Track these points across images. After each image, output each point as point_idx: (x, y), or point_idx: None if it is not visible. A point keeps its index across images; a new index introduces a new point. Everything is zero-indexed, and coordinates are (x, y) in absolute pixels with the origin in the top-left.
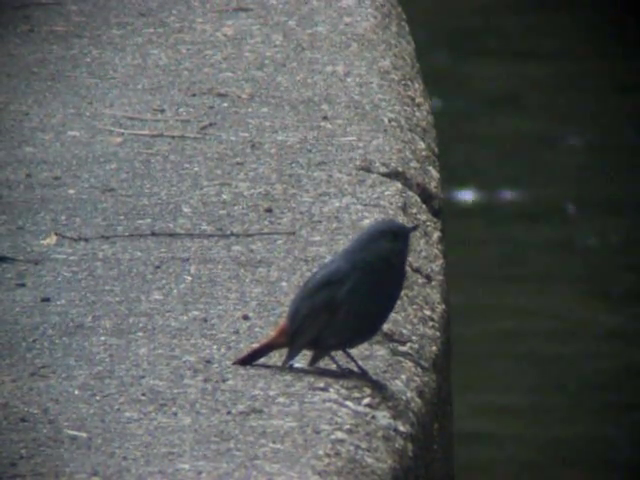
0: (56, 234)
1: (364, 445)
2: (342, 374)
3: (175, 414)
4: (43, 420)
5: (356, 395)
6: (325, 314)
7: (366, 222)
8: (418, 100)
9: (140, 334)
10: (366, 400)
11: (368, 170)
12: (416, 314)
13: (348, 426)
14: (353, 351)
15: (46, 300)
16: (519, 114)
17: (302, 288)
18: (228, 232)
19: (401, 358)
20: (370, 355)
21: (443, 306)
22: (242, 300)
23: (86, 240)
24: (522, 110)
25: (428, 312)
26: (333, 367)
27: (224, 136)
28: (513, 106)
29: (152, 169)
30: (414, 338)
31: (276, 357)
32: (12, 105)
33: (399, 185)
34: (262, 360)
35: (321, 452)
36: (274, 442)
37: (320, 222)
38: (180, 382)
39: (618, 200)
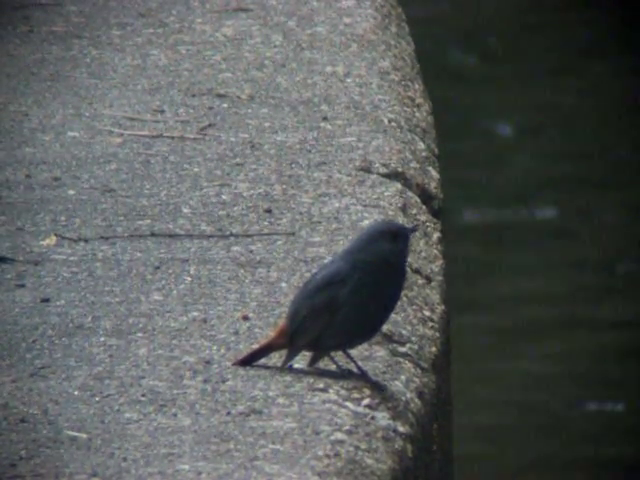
0: (56, 235)
1: (364, 446)
2: (342, 375)
3: (175, 415)
4: (43, 421)
5: (356, 396)
6: (325, 315)
7: (366, 223)
8: (418, 101)
9: (140, 335)
10: (366, 401)
11: (368, 171)
12: (416, 315)
13: (348, 427)
14: (353, 352)
15: (46, 301)
16: None
17: (302, 289)
18: (228, 233)
19: (401, 359)
20: (370, 356)
21: (443, 307)
22: (242, 301)
23: (86, 241)
24: None
25: (428, 313)
26: (333, 368)
27: (224, 137)
28: None
29: (152, 170)
30: (414, 339)
31: (276, 358)
32: (12, 105)
33: (399, 186)
34: (262, 361)
35: (321, 453)
36: (274, 443)
37: (320, 223)
38: (180, 383)
39: None
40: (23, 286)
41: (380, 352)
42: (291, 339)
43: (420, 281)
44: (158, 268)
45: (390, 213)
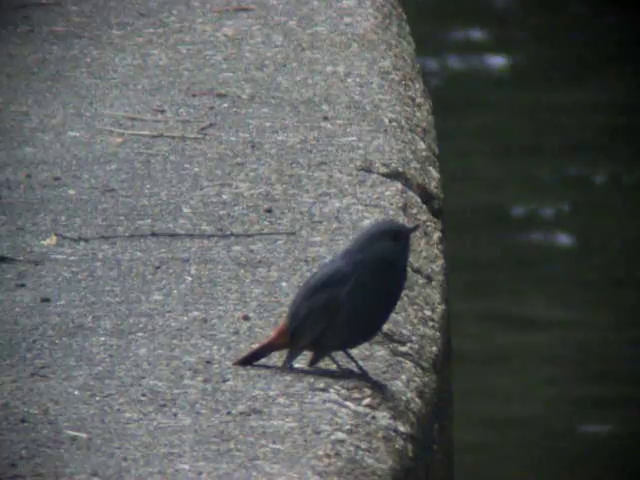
0: (56, 234)
1: (364, 445)
2: (342, 374)
3: (175, 414)
4: (43, 421)
5: (356, 395)
6: (326, 315)
7: (366, 222)
8: (418, 100)
9: (140, 334)
10: (366, 400)
11: (368, 170)
12: (416, 314)
13: (348, 426)
14: (353, 351)
15: (46, 300)
16: None
17: (302, 288)
18: (228, 232)
19: (401, 358)
20: (370, 355)
21: (443, 306)
22: (242, 300)
23: (86, 240)
24: None
25: (428, 312)
26: (333, 367)
27: (224, 136)
28: None
29: (152, 169)
30: (414, 338)
31: (276, 357)
32: (12, 105)
33: (399, 185)
34: (262, 360)
35: (321, 452)
36: (274, 442)
37: (320, 222)
38: (180, 382)
39: None
40: (23, 286)
41: (381, 352)
42: (292, 339)
43: (421, 281)
44: (158, 268)
45: (391, 213)
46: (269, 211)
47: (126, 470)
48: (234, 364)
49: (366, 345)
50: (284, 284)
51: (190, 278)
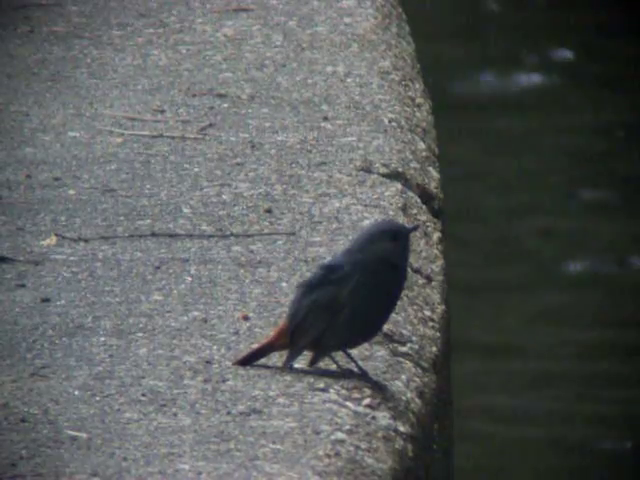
0: (56, 235)
1: (364, 446)
2: (342, 375)
3: (175, 414)
4: (43, 420)
5: (356, 396)
6: (326, 315)
7: (366, 223)
8: (418, 100)
9: (140, 334)
10: (366, 401)
11: (368, 171)
12: (416, 315)
13: (348, 427)
14: (353, 352)
15: (46, 301)
16: None
17: (302, 289)
18: (228, 233)
19: (401, 359)
20: (370, 356)
21: (443, 307)
22: (242, 301)
23: (86, 241)
24: None
25: (428, 313)
26: (333, 368)
27: (224, 137)
28: None
29: (152, 170)
30: (414, 339)
31: (276, 357)
32: (12, 106)
33: (399, 186)
34: (262, 361)
35: (321, 452)
36: (274, 442)
37: (320, 223)
38: (180, 382)
39: None
40: (23, 286)
41: (381, 352)
42: (292, 339)
43: (420, 281)
44: (158, 268)
45: (390, 213)
46: (269, 211)
47: (126, 470)
48: (234, 364)
49: (366, 345)
50: (284, 284)
51: (190, 278)
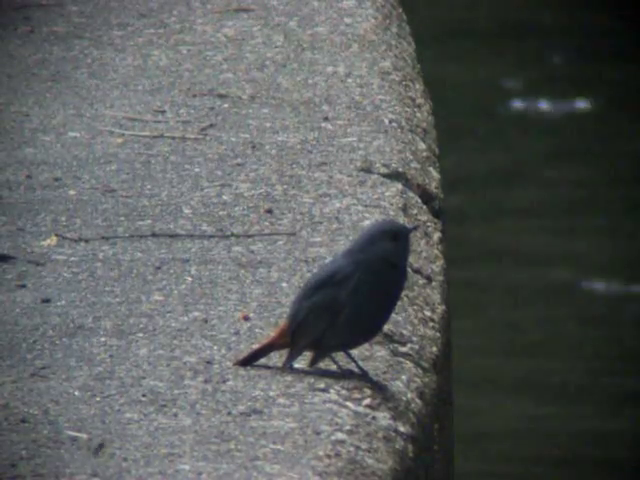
0: (56, 235)
1: (364, 446)
2: (342, 375)
3: (175, 415)
4: (43, 421)
5: (356, 396)
6: (327, 315)
7: (367, 223)
8: (419, 101)
9: (140, 335)
10: (366, 401)
11: (369, 171)
12: (416, 315)
13: (348, 427)
14: (353, 352)
15: (46, 301)
16: None
17: (302, 289)
18: (228, 233)
19: (401, 359)
20: (370, 356)
21: (443, 307)
22: (242, 301)
23: (86, 241)
24: None
25: (428, 313)
26: (333, 368)
27: (224, 137)
28: None
29: (152, 170)
30: (414, 339)
31: (276, 358)
32: (12, 106)
33: (400, 186)
34: (262, 361)
35: (321, 453)
36: (274, 443)
37: (321, 223)
38: (180, 383)
39: None
40: (24, 286)
41: (381, 352)
42: (292, 339)
43: (421, 281)
44: (159, 268)
45: (391, 213)
46: (269, 211)
47: (126, 470)
48: (234, 364)
49: (366, 345)
50: (284, 284)
51: (190, 278)
